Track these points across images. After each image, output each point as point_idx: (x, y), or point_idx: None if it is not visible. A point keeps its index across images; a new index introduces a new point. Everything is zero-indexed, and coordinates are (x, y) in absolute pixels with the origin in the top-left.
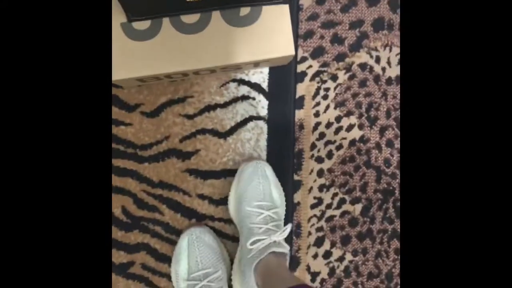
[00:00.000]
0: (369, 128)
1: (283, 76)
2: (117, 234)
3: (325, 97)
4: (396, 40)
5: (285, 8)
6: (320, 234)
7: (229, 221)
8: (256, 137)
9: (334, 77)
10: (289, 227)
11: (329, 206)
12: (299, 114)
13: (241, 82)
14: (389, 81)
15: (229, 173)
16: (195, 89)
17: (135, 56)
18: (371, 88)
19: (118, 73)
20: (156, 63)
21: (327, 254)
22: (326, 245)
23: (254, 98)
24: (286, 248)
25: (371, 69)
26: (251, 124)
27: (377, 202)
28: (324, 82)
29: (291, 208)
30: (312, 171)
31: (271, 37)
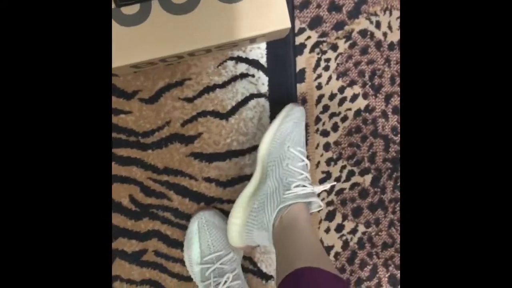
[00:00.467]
0: (373, 96)
1: (282, 49)
2: (127, 223)
3: (326, 68)
4: (396, 2)
5: None
6: (331, 208)
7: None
8: (258, 115)
9: (334, 47)
10: (332, 183)
11: (338, 179)
12: (300, 88)
13: (239, 59)
14: (391, 46)
15: (234, 154)
16: (193, 71)
17: (127, 43)
18: (373, 55)
19: (112, 61)
20: (149, 47)
21: (340, 228)
22: (338, 219)
23: (253, 75)
24: (321, 205)
25: (372, 35)
26: (252, 102)
27: (387, 172)
28: (324, 52)
29: None
30: (318, 145)
31: (265, 10)
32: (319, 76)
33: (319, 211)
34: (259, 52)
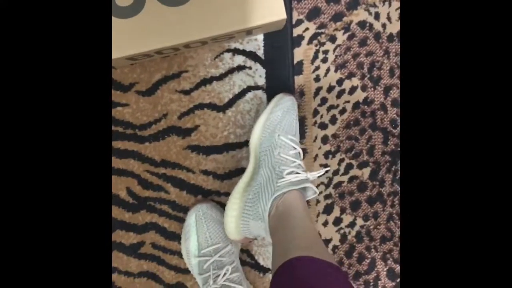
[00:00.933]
0: (372, 88)
1: (279, 41)
2: (124, 215)
3: (324, 60)
4: None
5: None
6: (329, 201)
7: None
8: (256, 107)
9: (332, 38)
10: (324, 170)
11: (336, 172)
12: (298, 80)
13: (236, 51)
14: (390, 37)
15: (231, 146)
16: (189, 63)
17: (121, 35)
18: (372, 47)
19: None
20: (144, 40)
21: (338, 221)
22: (336, 212)
23: (250, 67)
24: (316, 191)
25: (371, 26)
26: (249, 95)
27: (386, 165)
28: (323, 44)
29: None
30: (316, 138)
31: (260, 2)
32: (317, 68)
33: (316, 204)
34: (256, 44)
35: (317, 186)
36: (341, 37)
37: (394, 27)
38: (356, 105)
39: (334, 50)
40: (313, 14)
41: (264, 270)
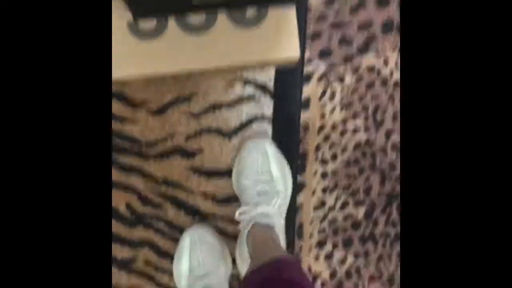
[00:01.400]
0: (375, 131)
1: (290, 76)
2: (121, 230)
3: (331, 98)
4: None
5: (292, 9)
6: (322, 236)
7: (231, 220)
8: None
9: (341, 79)
10: (277, 201)
11: (332, 208)
12: (304, 115)
13: (247, 81)
14: (396, 84)
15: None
16: (201, 88)
17: (138, 55)
18: (378, 91)
19: (118, 71)
20: (160, 63)
21: (329, 256)
22: (328, 247)
23: (259, 98)
24: (272, 218)
25: (379, 72)
26: (256, 125)
27: (381, 206)
28: (331, 83)
29: (294, 210)
30: (316, 172)
31: (276, 38)
32: (324, 105)
33: (310, 237)
34: (267, 76)
35: (312, 220)
36: (349, 78)
37: None
38: (357, 145)
39: (342, 90)
40: (325, 54)
41: None
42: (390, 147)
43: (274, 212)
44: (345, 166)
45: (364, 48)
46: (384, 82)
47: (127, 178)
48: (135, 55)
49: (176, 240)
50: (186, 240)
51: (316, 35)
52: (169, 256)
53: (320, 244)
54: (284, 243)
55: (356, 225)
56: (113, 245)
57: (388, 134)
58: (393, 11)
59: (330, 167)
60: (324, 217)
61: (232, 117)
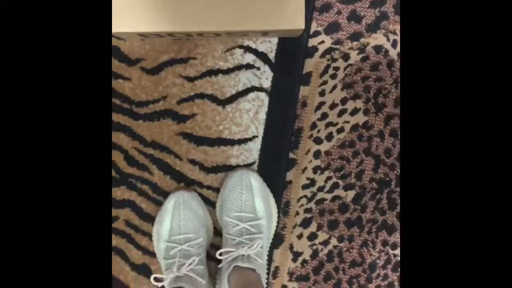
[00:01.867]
0: (374, 114)
1: (293, 48)
2: None
3: (333, 76)
4: None
5: None
6: (308, 215)
7: (217, 189)
8: (256, 108)
9: (345, 57)
10: (259, 243)
11: (321, 188)
12: (303, 90)
13: (248, 49)
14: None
15: (223, 142)
16: (199, 51)
17: (138, 11)
18: (383, 73)
19: (118, 26)
20: (159, 20)
21: (312, 236)
22: (313, 227)
23: (258, 68)
24: (255, 264)
25: (386, 53)
26: (252, 95)
27: (371, 191)
28: (335, 60)
29: (282, 185)
30: (309, 151)
31: (282, 7)
32: (325, 82)
33: (295, 215)
34: (269, 46)
35: (299, 199)
36: (354, 57)
37: None
38: (354, 127)
39: (345, 68)
40: (332, 28)
41: None
42: (389, 132)
43: (256, 254)
44: (340, 147)
45: (373, 27)
46: (390, 64)
47: (115, 136)
48: (135, 11)
49: (159, 204)
50: (170, 203)
51: (324, 8)
52: (151, 219)
53: (305, 223)
54: (265, 281)
55: (343, 208)
56: None
57: (388, 119)
58: None
59: (324, 146)
60: (312, 197)
61: (229, 85)
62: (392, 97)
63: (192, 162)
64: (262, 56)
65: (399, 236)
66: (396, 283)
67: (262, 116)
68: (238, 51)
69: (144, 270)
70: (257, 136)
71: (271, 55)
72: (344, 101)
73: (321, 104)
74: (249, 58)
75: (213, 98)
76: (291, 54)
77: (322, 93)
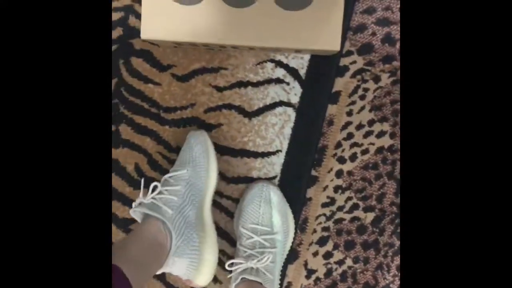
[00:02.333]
0: (400, 139)
1: (324, 66)
2: (125, 189)
3: (362, 97)
4: None
5: None
6: (325, 234)
7: (236, 200)
8: (282, 123)
9: (376, 79)
10: (269, 257)
11: (340, 208)
12: (331, 109)
13: (279, 64)
14: None
15: (247, 153)
16: (231, 62)
17: (171, 18)
18: None
19: (147, 32)
20: (194, 30)
21: (328, 255)
22: (329, 246)
23: (288, 83)
24: (263, 278)
25: None
26: (279, 109)
27: (391, 215)
28: (365, 81)
29: (302, 202)
30: (331, 170)
31: (319, 27)
32: (353, 103)
33: (312, 233)
34: (300, 63)
35: (318, 216)
36: (385, 79)
37: None
38: (379, 150)
39: (375, 90)
40: (365, 49)
41: None
42: None
43: (265, 268)
44: (363, 168)
45: None
46: None
47: (141, 139)
48: (167, 18)
49: None
50: (190, 139)
51: (359, 28)
52: None
53: (322, 241)
54: None
55: (361, 229)
56: (115, 203)
57: None
58: None
59: (347, 166)
60: (330, 216)
61: (257, 98)
62: None
63: None
64: (293, 71)
65: None
66: None
67: (288, 131)
68: (269, 65)
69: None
70: (281, 151)
71: (302, 72)
72: (371, 122)
73: (348, 124)
74: (280, 72)
75: (240, 110)
76: (322, 72)
77: (349, 113)
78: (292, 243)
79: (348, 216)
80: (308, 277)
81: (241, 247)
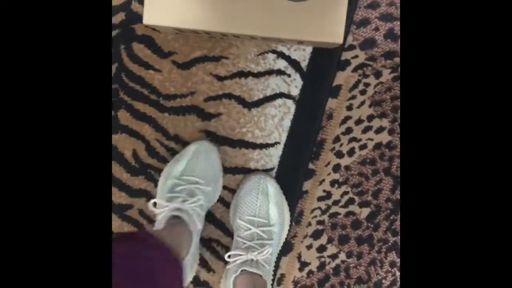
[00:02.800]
0: (398, 135)
1: (325, 59)
2: (122, 175)
3: (362, 92)
4: None
5: None
6: (320, 227)
7: (233, 190)
8: (281, 115)
9: (377, 74)
10: (269, 250)
11: (336, 202)
12: (331, 103)
13: (281, 55)
14: None
15: (245, 144)
16: (232, 51)
17: (175, 5)
18: None
19: (150, 18)
20: (195, 18)
21: (321, 248)
22: (323, 240)
23: (289, 75)
24: (263, 270)
25: None
26: (279, 101)
27: (386, 212)
28: (366, 76)
29: (298, 195)
30: (328, 163)
31: (322, 19)
32: (353, 97)
33: (307, 226)
34: (302, 55)
35: (313, 210)
36: (386, 75)
37: None
38: (377, 146)
39: (376, 86)
40: (367, 44)
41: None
42: None
43: (264, 260)
44: (360, 164)
45: None
46: None
47: (139, 126)
48: (170, 4)
49: None
50: (192, 147)
51: (363, 23)
52: None
53: (316, 234)
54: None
55: (356, 224)
56: (113, 189)
57: None
58: None
59: (345, 161)
60: (326, 210)
61: (257, 88)
62: None
63: None
64: (294, 63)
65: None
66: None
67: (287, 123)
68: (271, 56)
69: None
70: (279, 143)
71: (303, 64)
72: (370, 118)
73: (347, 118)
74: (281, 64)
75: (240, 100)
76: (323, 65)
77: (349, 108)
78: (287, 235)
79: (343, 211)
80: (301, 269)
81: (239, 238)
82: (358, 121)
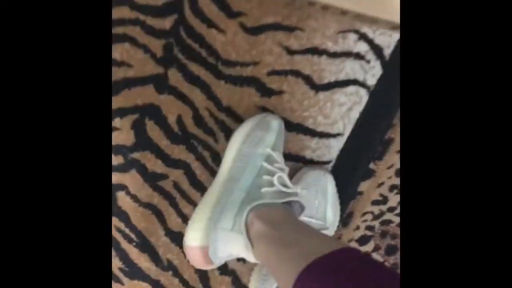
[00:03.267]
0: None
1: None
2: (161, 141)
3: None
4: None
5: None
6: (369, 233)
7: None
8: (350, 105)
9: None
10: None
11: (391, 209)
12: None
13: (363, 37)
14: None
15: (304, 130)
16: (310, 24)
17: None
18: None
19: None
20: None
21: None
22: (369, 246)
23: (368, 61)
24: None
25: None
26: (351, 89)
27: None
28: None
29: (351, 195)
30: (391, 166)
31: None
32: None
33: (354, 230)
34: (387, 41)
35: (365, 213)
36: None
37: None
38: None
39: None
40: None
41: None
42: None
43: None
44: None
45: None
46: None
47: (190, 90)
48: None
49: (214, 174)
50: (274, 122)
51: None
52: (201, 189)
53: (363, 240)
54: None
55: None
56: (147, 154)
57: None
58: None
59: None
60: (378, 215)
61: (330, 70)
62: None
63: None
64: (377, 49)
65: None
66: None
67: (355, 114)
68: (352, 36)
69: (178, 239)
70: (342, 134)
71: (387, 51)
72: None
73: None
74: (362, 47)
75: (308, 80)
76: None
77: None
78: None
79: (397, 220)
80: None
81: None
82: None
